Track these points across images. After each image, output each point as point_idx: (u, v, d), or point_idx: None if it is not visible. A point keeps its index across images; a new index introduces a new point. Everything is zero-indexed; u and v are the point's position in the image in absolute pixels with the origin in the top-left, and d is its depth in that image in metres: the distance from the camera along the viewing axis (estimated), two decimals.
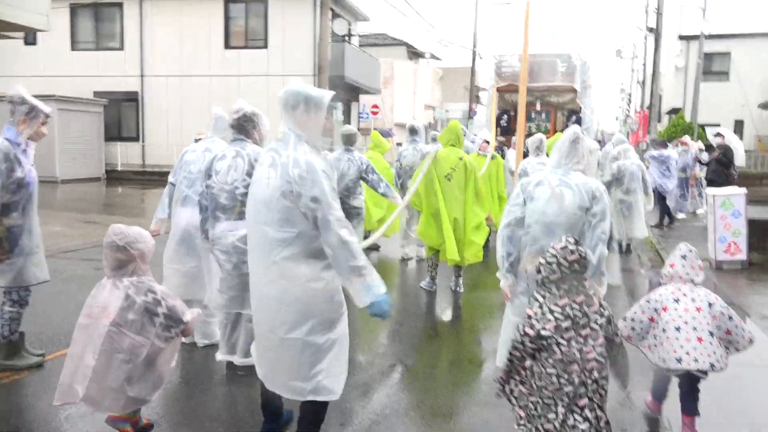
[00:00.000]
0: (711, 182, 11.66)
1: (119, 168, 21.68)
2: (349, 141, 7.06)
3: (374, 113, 27.79)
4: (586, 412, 2.38)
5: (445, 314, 6.23)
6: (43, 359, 4.28)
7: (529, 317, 2.45)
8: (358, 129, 24.80)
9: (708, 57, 27.26)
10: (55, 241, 8.79)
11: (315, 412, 2.93)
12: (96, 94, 21.90)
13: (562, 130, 7.95)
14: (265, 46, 21.74)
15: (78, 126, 19.78)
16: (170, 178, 4.84)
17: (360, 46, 27.97)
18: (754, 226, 8.21)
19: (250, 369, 4.08)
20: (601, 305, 2.44)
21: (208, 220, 4.11)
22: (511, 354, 2.52)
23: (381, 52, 33.84)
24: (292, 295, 2.78)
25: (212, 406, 3.76)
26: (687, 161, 13.54)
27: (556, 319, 2.39)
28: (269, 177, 2.81)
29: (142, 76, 22.49)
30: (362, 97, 28.03)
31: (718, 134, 12.49)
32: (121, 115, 23.00)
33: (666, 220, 11.91)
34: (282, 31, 21.58)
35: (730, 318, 3.36)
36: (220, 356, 4.26)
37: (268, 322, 2.90)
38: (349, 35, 24.94)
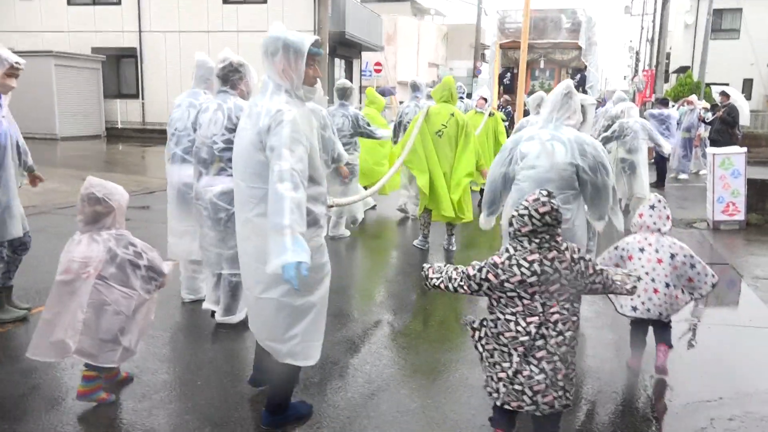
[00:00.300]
0: (714, 142, 11.48)
1: (119, 125, 21.49)
2: (343, 95, 6.97)
3: (377, 71, 27.36)
4: (543, 363, 2.33)
5: None
6: (29, 313, 4.29)
7: (495, 265, 2.37)
8: (360, 87, 24.50)
9: (718, 13, 26.36)
10: (51, 197, 8.77)
11: (288, 373, 2.86)
12: (94, 50, 21.59)
13: None
14: (264, 1, 21.28)
15: (77, 82, 19.53)
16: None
17: (361, 1, 27.39)
18: (753, 186, 8.11)
19: (232, 326, 4.12)
20: (572, 260, 2.38)
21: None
22: (459, 286, 2.44)
23: (384, 8, 33.18)
24: (267, 254, 2.60)
25: (194, 359, 3.76)
26: (692, 121, 13.30)
27: (522, 273, 2.32)
28: (245, 128, 2.72)
29: (140, 31, 22.12)
30: (364, 55, 27.58)
31: (723, 93, 12.26)
32: (120, 71, 22.73)
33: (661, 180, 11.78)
34: None
35: (692, 266, 3.54)
36: (207, 305, 4.31)
37: (246, 280, 2.85)
38: None
